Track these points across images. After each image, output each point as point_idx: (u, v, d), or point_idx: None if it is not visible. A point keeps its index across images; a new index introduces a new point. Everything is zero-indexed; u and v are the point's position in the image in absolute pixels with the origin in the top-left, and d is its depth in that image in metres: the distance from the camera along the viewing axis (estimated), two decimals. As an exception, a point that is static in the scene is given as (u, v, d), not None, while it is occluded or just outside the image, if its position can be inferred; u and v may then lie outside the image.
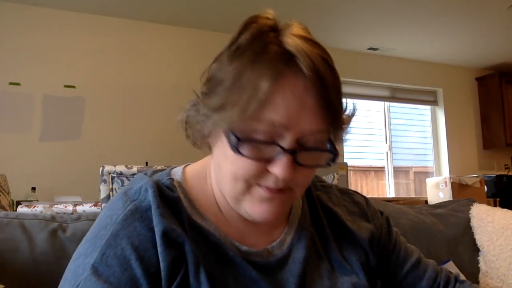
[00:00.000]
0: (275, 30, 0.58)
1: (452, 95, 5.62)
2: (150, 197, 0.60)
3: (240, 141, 0.55)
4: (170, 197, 0.62)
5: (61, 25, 3.94)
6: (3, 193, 2.39)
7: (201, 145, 0.64)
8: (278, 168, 0.55)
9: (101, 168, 1.63)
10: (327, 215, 0.72)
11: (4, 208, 2.33)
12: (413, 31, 4.58)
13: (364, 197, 0.80)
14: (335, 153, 0.59)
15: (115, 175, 1.61)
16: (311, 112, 0.55)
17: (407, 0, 3.89)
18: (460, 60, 5.53)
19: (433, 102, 5.62)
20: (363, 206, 0.77)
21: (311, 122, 0.55)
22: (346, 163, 4.15)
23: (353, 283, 0.66)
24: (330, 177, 2.25)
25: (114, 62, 4.09)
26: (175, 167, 0.71)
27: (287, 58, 0.55)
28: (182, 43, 4.40)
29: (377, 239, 0.74)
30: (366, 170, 5.22)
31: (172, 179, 0.66)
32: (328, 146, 0.59)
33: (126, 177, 1.60)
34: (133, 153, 3.88)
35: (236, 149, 0.55)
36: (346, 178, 4.02)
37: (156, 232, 0.57)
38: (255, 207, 0.59)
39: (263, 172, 0.57)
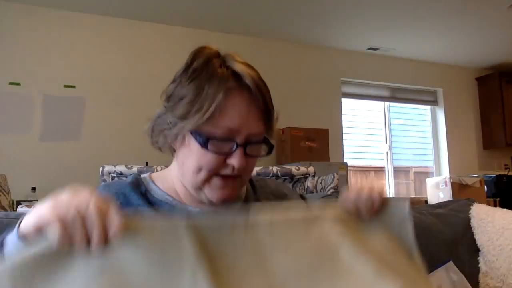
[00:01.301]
0: (218, 56, 0.79)
1: (452, 95, 5.62)
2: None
3: (206, 139, 0.74)
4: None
5: (61, 25, 3.94)
6: (3, 193, 2.39)
7: (165, 149, 0.82)
8: (235, 159, 0.75)
9: (101, 168, 1.63)
10: (264, 196, 0.95)
11: (4, 208, 2.33)
12: (413, 31, 4.58)
13: (289, 188, 1.06)
14: (271, 145, 0.81)
15: (115, 175, 1.61)
16: (255, 118, 0.77)
17: (407, 0, 3.89)
18: (460, 60, 5.53)
19: (433, 102, 5.62)
20: (287, 193, 0.99)
21: (255, 125, 0.77)
22: (346, 163, 4.15)
23: None
24: (330, 177, 2.25)
25: (114, 62, 4.09)
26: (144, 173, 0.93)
27: (236, 78, 0.75)
28: (182, 43, 4.40)
29: None
30: (366, 170, 5.22)
31: (139, 179, 0.88)
32: (266, 141, 0.80)
33: (126, 177, 1.60)
34: (133, 153, 3.88)
35: (205, 146, 0.74)
36: (346, 178, 4.01)
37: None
38: (214, 193, 0.78)
39: (222, 164, 0.76)
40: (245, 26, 4.41)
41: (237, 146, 0.75)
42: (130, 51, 4.17)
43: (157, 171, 1.61)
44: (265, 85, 0.79)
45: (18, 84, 3.74)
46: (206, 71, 0.75)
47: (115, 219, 0.60)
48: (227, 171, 0.76)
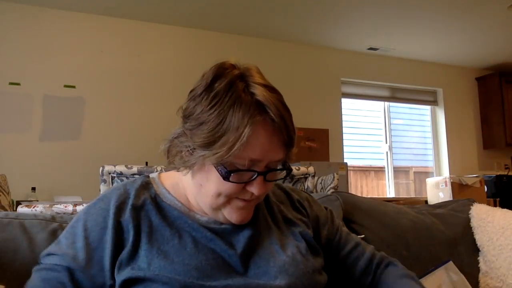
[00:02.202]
0: (241, 78, 0.75)
1: (452, 95, 5.62)
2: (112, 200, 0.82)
3: (229, 172, 0.73)
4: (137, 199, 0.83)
5: (61, 25, 3.94)
6: (3, 193, 2.39)
7: (181, 169, 0.80)
8: (255, 187, 0.76)
9: (101, 168, 1.62)
10: (275, 206, 0.93)
11: (4, 208, 2.33)
12: (413, 31, 4.58)
13: (309, 196, 1.02)
14: (289, 169, 0.82)
15: (115, 175, 1.61)
16: (277, 147, 0.76)
17: (407, 0, 3.89)
18: (460, 60, 5.53)
19: (433, 102, 5.62)
20: (306, 202, 0.98)
21: (276, 154, 0.76)
22: (346, 163, 4.15)
23: (296, 245, 0.85)
24: (330, 177, 2.25)
25: (114, 62, 4.09)
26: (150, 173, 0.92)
27: (260, 108, 0.72)
28: (182, 43, 4.40)
29: (318, 222, 0.96)
30: (366, 170, 5.22)
31: (149, 182, 0.87)
32: (284, 165, 0.81)
33: (126, 177, 1.60)
34: (133, 153, 3.88)
35: (227, 178, 0.74)
36: (346, 178, 4.01)
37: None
38: (233, 215, 0.79)
39: (242, 190, 0.76)
40: (245, 26, 4.41)
41: (257, 175, 0.75)
42: (130, 51, 4.17)
43: (157, 171, 1.61)
44: (287, 110, 0.77)
45: (18, 84, 3.74)
46: (229, 97, 0.72)
47: None
48: (246, 196, 0.77)
